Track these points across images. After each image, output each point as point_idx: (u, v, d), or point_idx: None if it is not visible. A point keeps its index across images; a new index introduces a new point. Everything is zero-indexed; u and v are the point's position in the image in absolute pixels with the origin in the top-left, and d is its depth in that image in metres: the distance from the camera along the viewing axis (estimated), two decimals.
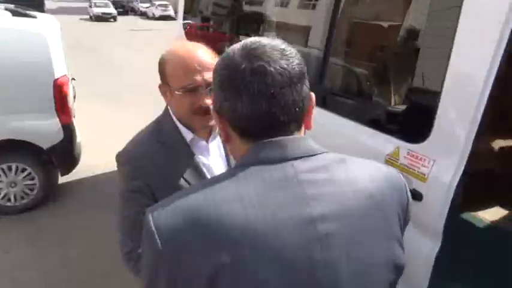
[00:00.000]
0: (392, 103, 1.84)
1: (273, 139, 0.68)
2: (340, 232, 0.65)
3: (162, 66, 1.15)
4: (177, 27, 4.16)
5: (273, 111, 0.67)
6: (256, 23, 3.16)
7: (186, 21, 4.01)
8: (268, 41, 0.70)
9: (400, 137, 1.66)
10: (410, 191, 1.53)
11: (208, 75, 1.07)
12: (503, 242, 2.03)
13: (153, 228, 0.65)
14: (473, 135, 1.44)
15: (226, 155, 1.24)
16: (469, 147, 1.46)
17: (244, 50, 0.69)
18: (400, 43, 1.82)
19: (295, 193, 0.65)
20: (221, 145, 1.25)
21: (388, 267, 0.70)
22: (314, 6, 2.43)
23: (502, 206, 2.01)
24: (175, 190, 1.03)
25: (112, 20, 27.15)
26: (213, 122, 1.14)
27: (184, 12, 4.01)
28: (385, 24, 1.90)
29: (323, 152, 0.71)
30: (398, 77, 1.87)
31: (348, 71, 2.16)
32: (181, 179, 1.13)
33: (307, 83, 0.72)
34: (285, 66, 0.67)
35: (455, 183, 1.46)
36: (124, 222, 1.17)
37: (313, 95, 0.74)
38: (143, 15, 32.63)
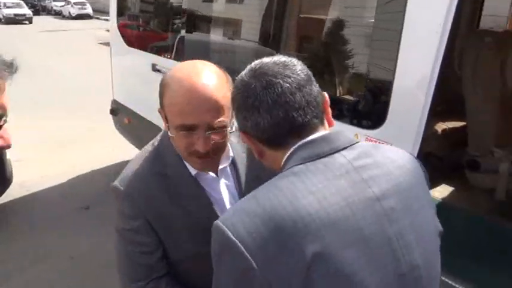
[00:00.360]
0: (349, 94, 1.91)
1: (313, 137, 0.75)
2: (399, 206, 0.73)
3: (162, 91, 0.95)
4: (111, 27, 3.92)
5: (290, 115, 0.73)
6: (190, 20, 3.09)
7: (120, 21, 3.81)
8: (270, 59, 0.79)
9: (358, 125, 1.76)
10: None
11: (210, 115, 0.90)
12: (453, 218, 2.25)
13: (236, 240, 0.65)
14: (425, 119, 1.55)
15: (239, 182, 1.07)
16: (422, 131, 1.56)
17: (251, 71, 0.77)
18: (354, 38, 1.90)
19: (354, 178, 0.71)
20: (230, 173, 1.08)
21: (436, 232, 0.80)
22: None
23: (449, 183, 2.22)
24: (181, 228, 1.00)
25: (27, 22, 24.66)
26: (215, 157, 1.00)
27: (117, 11, 3.81)
28: (340, 20, 1.96)
29: (358, 141, 0.78)
30: (354, 69, 1.94)
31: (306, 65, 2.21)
32: (188, 215, 1.00)
33: (315, 84, 0.79)
34: (290, 74, 0.75)
35: None
36: (124, 262, 1.05)
37: (325, 93, 0.81)
38: (57, 14, 30.33)
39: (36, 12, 31.06)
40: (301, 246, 0.64)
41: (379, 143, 1.67)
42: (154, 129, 2.58)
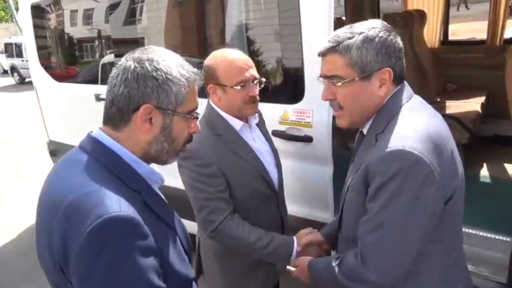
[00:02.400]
0: (273, 80, 2.22)
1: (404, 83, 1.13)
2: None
3: (213, 71, 1.41)
4: (32, 67, 3.69)
5: None
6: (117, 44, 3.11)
7: (43, 60, 3.63)
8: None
9: (285, 102, 2.10)
10: (303, 137, 2.04)
11: (253, 71, 1.42)
12: None
13: (421, 155, 0.95)
14: None
15: (264, 135, 1.62)
16: None
17: (386, 28, 1.07)
18: (268, 35, 2.25)
19: (432, 111, 1.12)
20: (258, 130, 1.59)
21: None
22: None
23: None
24: (239, 170, 1.43)
25: None
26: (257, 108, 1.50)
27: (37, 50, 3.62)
28: (258, 22, 2.29)
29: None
30: (273, 60, 2.26)
31: None
32: (240, 159, 1.44)
33: None
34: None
35: (331, 122, 1.93)
36: (206, 205, 1.40)
37: None
38: None
39: None
40: (447, 148, 1.00)
41: (304, 111, 2.03)
42: None
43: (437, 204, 0.99)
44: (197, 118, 1.01)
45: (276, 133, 2.07)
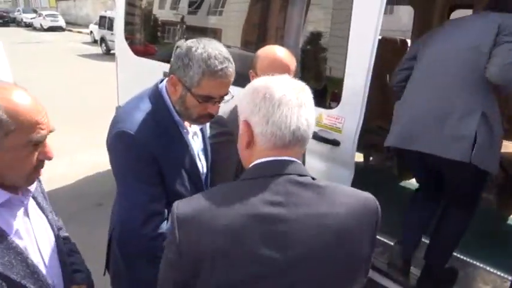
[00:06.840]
0: (315, 84, 2.43)
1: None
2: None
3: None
4: (117, 39, 4.18)
5: None
6: (189, 29, 3.43)
7: (127, 33, 4.11)
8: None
9: (321, 106, 2.31)
10: (331, 141, 2.23)
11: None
12: None
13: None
14: (365, 100, 2.11)
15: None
16: (364, 108, 2.12)
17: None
18: (318, 43, 2.51)
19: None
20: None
21: None
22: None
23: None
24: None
25: None
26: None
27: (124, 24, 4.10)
28: (312, 30, 2.55)
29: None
30: (319, 66, 2.52)
31: None
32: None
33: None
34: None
35: (358, 132, 2.15)
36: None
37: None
38: (28, 26, 29.85)
39: (5, 24, 30.54)
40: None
41: (337, 117, 2.23)
42: None
43: None
44: (215, 103, 1.31)
45: None
